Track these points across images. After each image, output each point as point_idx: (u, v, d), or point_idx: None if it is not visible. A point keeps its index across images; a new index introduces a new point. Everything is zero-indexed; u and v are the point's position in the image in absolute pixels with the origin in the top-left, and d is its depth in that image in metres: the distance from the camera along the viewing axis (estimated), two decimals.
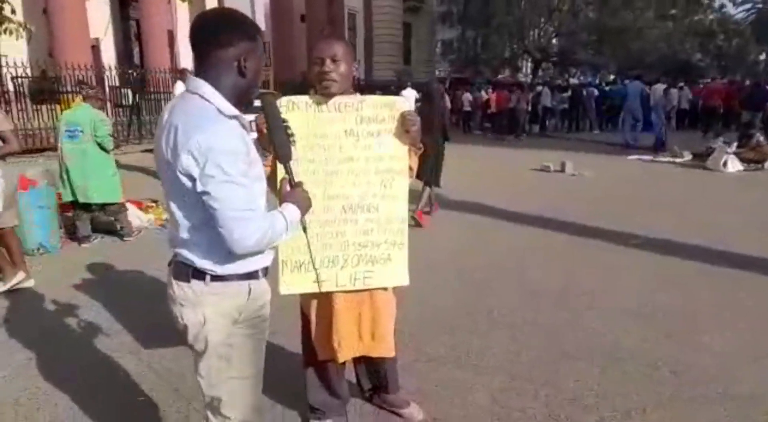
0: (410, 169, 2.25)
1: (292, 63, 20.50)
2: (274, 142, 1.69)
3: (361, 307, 2.29)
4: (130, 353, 3.23)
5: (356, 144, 2.16)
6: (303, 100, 2.13)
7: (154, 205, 6.38)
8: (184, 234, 1.56)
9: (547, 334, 3.50)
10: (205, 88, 1.52)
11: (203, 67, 1.55)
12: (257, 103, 1.73)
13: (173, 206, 1.56)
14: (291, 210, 1.63)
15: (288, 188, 1.71)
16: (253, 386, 1.74)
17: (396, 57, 29.79)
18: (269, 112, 1.71)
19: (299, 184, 1.71)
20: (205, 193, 1.45)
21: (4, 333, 3.50)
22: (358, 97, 2.17)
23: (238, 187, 1.45)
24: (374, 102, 2.17)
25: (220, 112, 1.49)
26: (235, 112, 1.53)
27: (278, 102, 2.09)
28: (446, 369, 3.06)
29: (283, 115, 1.98)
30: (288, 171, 1.70)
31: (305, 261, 2.17)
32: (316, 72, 2.08)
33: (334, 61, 2.05)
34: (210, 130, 1.44)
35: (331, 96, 2.10)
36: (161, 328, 3.25)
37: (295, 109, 2.11)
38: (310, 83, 2.18)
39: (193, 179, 1.46)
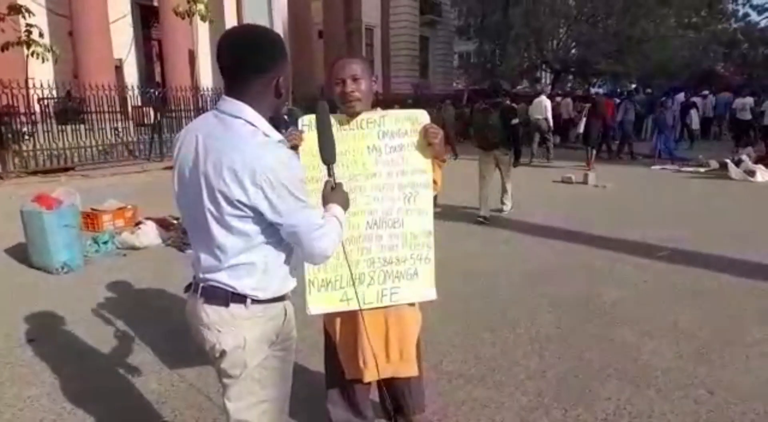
0: (435, 182, 2.20)
1: (311, 78, 20.75)
2: (322, 145, 1.77)
3: (388, 325, 2.23)
4: (153, 372, 3.21)
5: (379, 159, 2.13)
6: None
7: (175, 222, 6.42)
8: (226, 260, 1.51)
9: (575, 350, 3.40)
10: (247, 111, 1.50)
11: (241, 91, 1.52)
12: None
13: (214, 232, 1.49)
14: (339, 211, 1.70)
15: (330, 189, 1.77)
16: (282, 408, 1.72)
17: (413, 70, 29.95)
18: (321, 117, 1.79)
19: (340, 185, 1.78)
20: (280, 219, 1.47)
21: (30, 353, 3.52)
22: (379, 111, 2.16)
23: (310, 209, 1.53)
24: (396, 116, 2.15)
25: (266, 135, 1.49)
26: (279, 136, 1.54)
27: (301, 120, 2.10)
28: (471, 388, 2.98)
29: (304, 134, 2.00)
30: (331, 173, 1.77)
31: (332, 279, 2.16)
32: (339, 93, 2.07)
33: (354, 80, 2.05)
34: (273, 158, 1.44)
35: (356, 115, 2.09)
36: (183, 346, 3.25)
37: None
38: (330, 98, 2.17)
39: (249, 205, 1.44)
